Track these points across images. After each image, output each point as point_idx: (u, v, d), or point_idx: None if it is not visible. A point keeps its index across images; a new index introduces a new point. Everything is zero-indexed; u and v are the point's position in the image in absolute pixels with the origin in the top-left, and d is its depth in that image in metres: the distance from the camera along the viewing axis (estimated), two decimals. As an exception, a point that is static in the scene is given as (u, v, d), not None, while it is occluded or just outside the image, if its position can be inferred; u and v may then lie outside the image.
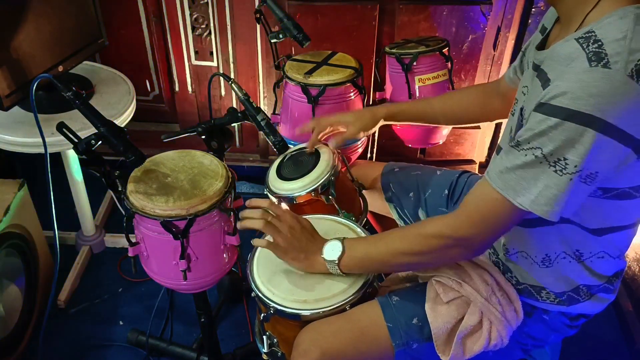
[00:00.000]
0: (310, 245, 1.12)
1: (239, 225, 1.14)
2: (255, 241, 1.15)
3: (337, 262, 1.09)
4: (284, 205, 1.33)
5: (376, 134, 2.28)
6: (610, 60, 0.81)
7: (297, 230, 1.12)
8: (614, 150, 0.85)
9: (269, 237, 1.15)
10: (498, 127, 2.32)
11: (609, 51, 0.82)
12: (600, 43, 0.83)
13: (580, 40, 0.86)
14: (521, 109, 1.02)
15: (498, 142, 1.22)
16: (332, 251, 1.10)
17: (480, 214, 0.96)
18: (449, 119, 1.45)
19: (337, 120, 1.41)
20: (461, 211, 1.00)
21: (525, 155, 0.89)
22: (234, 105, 2.20)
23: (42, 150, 1.32)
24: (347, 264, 1.10)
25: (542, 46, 1.04)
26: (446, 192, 1.42)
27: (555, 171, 0.87)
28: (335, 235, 1.17)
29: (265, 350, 1.19)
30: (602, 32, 0.84)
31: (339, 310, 1.10)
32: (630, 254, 1.91)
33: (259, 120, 1.37)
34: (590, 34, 0.85)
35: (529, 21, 2.04)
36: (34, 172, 2.14)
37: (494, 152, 1.22)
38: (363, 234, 1.24)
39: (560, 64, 0.88)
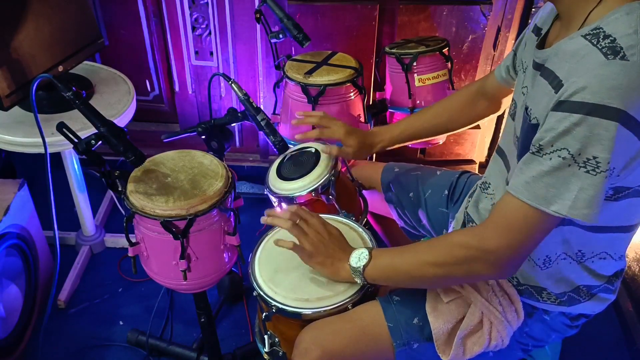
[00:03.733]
0: (339, 252, 1.11)
1: (262, 220, 1.12)
2: (280, 242, 1.13)
3: (361, 270, 1.08)
4: (284, 205, 1.33)
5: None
6: (627, 53, 0.81)
7: (324, 235, 1.11)
8: (628, 143, 0.84)
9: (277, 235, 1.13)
10: (498, 127, 2.32)
11: (623, 44, 0.82)
12: (612, 38, 0.83)
13: (588, 37, 0.85)
14: (526, 109, 1.00)
15: (498, 142, 1.21)
16: (358, 259, 1.09)
17: (508, 225, 0.92)
18: (440, 131, 1.43)
19: (340, 139, 1.37)
20: (488, 222, 0.97)
21: (551, 158, 0.86)
22: (234, 105, 2.20)
23: (42, 150, 1.32)
24: (371, 273, 1.08)
25: (541, 45, 1.04)
26: (446, 192, 1.42)
27: (587, 172, 0.84)
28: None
29: (266, 349, 1.19)
30: (612, 28, 0.84)
31: (341, 309, 1.10)
32: (630, 254, 1.91)
33: (259, 120, 1.37)
34: (598, 31, 0.85)
35: (529, 21, 2.03)
36: (34, 172, 2.15)
37: (494, 152, 1.21)
38: (364, 234, 1.24)
39: (568, 61, 0.87)
